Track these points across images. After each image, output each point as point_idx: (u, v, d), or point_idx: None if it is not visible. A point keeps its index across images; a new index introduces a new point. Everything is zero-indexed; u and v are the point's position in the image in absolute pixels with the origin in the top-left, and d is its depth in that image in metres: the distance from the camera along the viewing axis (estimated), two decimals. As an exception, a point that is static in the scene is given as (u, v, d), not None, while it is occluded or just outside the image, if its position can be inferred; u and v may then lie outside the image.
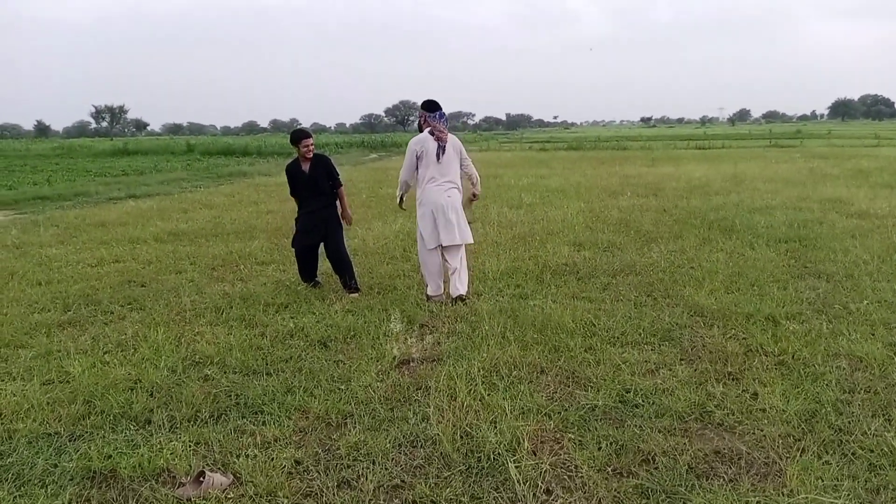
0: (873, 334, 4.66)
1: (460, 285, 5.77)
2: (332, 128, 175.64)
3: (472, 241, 6.01)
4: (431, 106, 5.88)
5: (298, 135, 6.30)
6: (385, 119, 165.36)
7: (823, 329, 4.75)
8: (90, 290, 6.37)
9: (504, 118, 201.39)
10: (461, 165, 5.94)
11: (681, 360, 4.27)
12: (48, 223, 10.80)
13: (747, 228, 8.79)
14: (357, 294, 6.02)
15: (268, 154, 34.80)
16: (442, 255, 5.85)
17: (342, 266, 6.16)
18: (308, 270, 6.33)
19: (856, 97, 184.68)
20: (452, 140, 5.87)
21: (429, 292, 5.84)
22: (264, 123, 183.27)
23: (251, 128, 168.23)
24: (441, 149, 5.74)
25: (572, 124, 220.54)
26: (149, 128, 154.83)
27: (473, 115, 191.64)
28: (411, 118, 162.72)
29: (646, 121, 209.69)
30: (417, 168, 5.83)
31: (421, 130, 5.92)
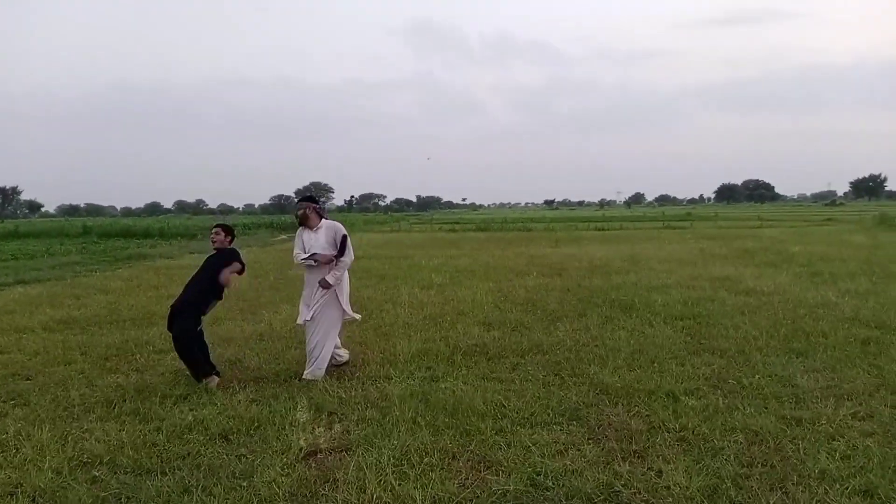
0: (766, 408, 4.91)
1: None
2: (241, 208, 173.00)
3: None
4: (315, 198, 6.40)
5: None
6: (295, 199, 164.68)
7: (720, 404, 4.96)
8: (-34, 385, 5.84)
9: (415, 199, 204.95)
10: None
11: (588, 439, 4.34)
12: (-79, 312, 9.92)
13: (646, 306, 9.18)
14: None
15: (171, 236, 33.70)
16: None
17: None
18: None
19: (739, 182, 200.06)
20: None
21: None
22: (168, 204, 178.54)
23: (154, 209, 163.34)
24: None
25: (480, 206, 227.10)
26: (43, 209, 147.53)
27: (385, 197, 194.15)
28: (322, 199, 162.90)
29: (549, 203, 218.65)
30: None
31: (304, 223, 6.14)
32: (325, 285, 5.92)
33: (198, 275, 6.12)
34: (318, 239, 6.06)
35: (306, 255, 5.96)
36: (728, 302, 9.56)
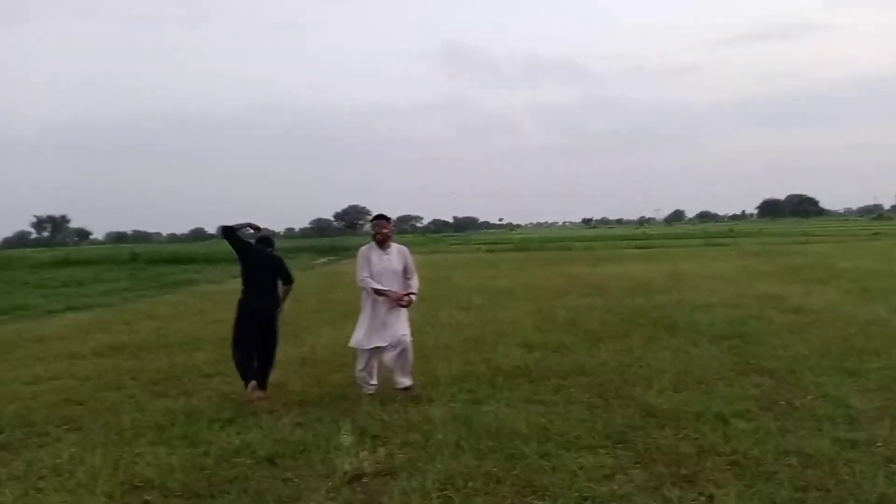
0: (820, 430, 4.76)
1: None
2: (282, 232, 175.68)
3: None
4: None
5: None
6: (334, 223, 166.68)
7: (771, 426, 4.83)
8: (25, 409, 6.02)
9: (452, 220, 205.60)
10: None
11: (636, 463, 4.26)
12: (-20, 339, 10.31)
13: (690, 326, 9.03)
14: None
15: (215, 261, 34.36)
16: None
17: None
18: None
19: (782, 197, 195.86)
20: None
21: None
22: (211, 230, 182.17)
23: (198, 234, 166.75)
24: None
25: (517, 226, 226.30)
26: (92, 237, 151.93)
27: (422, 219, 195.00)
28: (360, 222, 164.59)
29: (587, 222, 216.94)
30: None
31: (383, 242, 6.16)
32: (406, 304, 6.03)
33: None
34: (389, 261, 6.03)
35: (379, 288, 5.95)
36: (775, 320, 9.34)
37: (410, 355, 6.07)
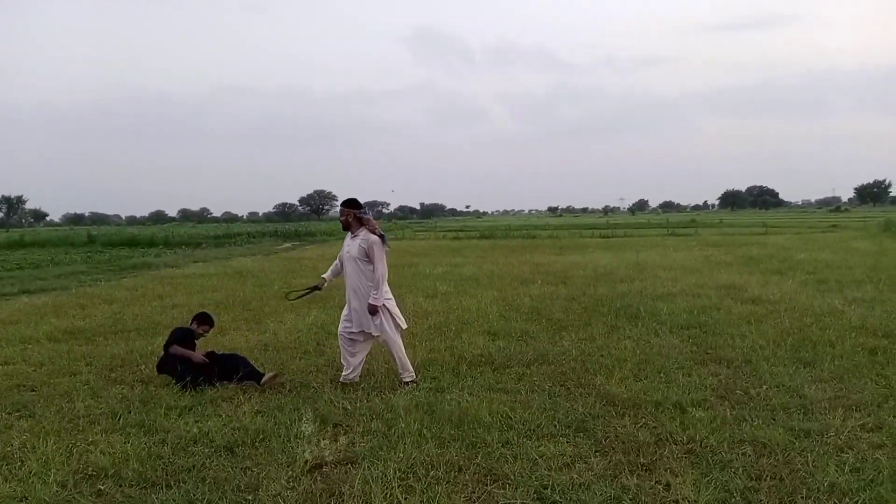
0: (774, 419, 4.87)
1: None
2: (245, 216, 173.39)
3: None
4: (357, 203, 6.14)
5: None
6: (300, 208, 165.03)
7: (728, 415, 4.92)
8: (-29, 397, 5.84)
9: (418, 207, 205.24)
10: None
11: (595, 451, 4.31)
12: (-73, 323, 9.95)
13: (651, 315, 9.15)
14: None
15: (175, 244, 33.79)
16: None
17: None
18: None
19: (743, 188, 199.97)
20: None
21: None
22: (172, 213, 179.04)
23: (158, 217, 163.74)
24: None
25: (484, 213, 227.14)
26: (48, 218, 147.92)
27: (388, 205, 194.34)
28: (326, 207, 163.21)
29: (553, 210, 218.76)
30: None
31: (347, 228, 6.10)
32: (373, 311, 5.93)
33: None
34: (350, 247, 6.04)
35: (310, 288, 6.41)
36: (734, 310, 9.52)
37: (391, 348, 6.07)
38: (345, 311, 6.21)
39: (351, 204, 6.11)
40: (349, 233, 6.12)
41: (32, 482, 3.95)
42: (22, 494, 3.80)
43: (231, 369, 6.11)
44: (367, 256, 5.95)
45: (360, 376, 6.20)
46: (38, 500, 3.73)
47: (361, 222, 6.05)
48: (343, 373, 6.13)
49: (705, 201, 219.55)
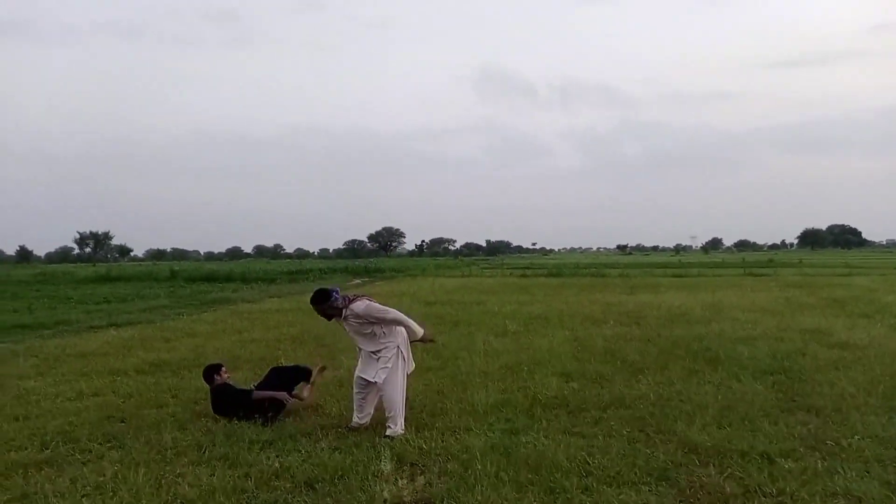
0: (868, 472, 4.62)
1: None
2: (316, 253, 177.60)
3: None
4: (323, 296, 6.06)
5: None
6: (368, 244, 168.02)
7: (819, 467, 4.70)
8: (69, 426, 6.17)
9: (484, 244, 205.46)
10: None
11: (679, 501, 4.19)
12: (27, 353, 10.58)
13: (732, 359, 8.85)
14: None
15: (252, 280, 34.90)
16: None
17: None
18: None
19: (823, 227, 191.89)
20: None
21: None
22: (248, 249, 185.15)
23: (235, 253, 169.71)
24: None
25: (550, 250, 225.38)
26: (132, 253, 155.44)
27: (454, 242, 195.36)
28: (394, 244, 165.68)
29: (622, 248, 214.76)
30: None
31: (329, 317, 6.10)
32: (429, 339, 6.38)
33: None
34: (350, 327, 6.03)
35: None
36: (820, 356, 9.10)
37: (386, 397, 5.94)
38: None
39: (318, 300, 6.04)
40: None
41: (125, 511, 4.12)
42: (115, 523, 3.97)
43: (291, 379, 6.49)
44: (367, 323, 5.91)
45: (434, 415, 6.23)
46: (131, 529, 3.88)
47: (340, 308, 5.97)
48: (353, 417, 6.06)
49: (783, 240, 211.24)
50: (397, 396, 5.87)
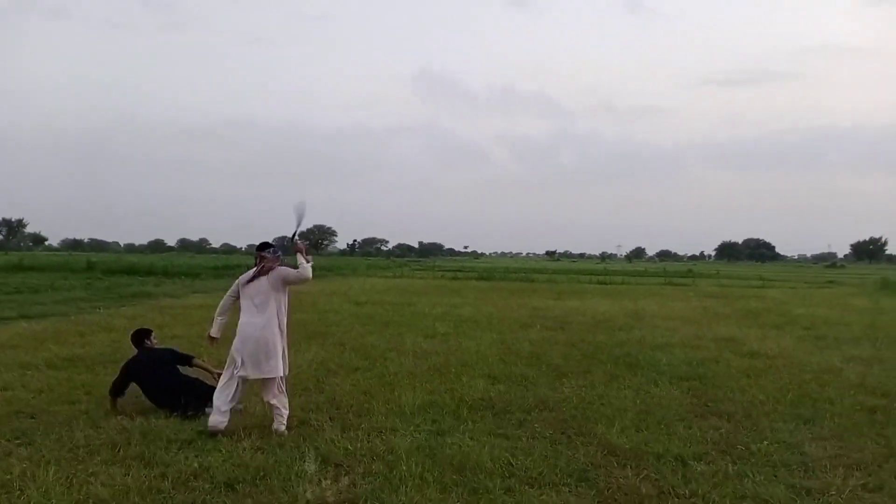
0: (776, 476, 4.88)
1: (278, 422, 5.78)
2: (244, 248, 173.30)
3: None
4: (265, 245, 6.22)
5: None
6: (299, 242, 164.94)
7: (729, 470, 4.93)
8: (-28, 421, 5.82)
9: (417, 245, 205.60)
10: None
11: (598, 502, 4.30)
12: (-75, 344, 9.91)
13: (650, 365, 9.16)
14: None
15: (175, 274, 33.75)
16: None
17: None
18: None
19: (740, 240, 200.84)
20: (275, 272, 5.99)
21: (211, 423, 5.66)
22: (171, 242, 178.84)
23: (157, 246, 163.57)
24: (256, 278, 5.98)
25: (482, 254, 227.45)
26: (47, 243, 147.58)
27: (387, 242, 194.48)
28: (325, 242, 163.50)
29: (550, 254, 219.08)
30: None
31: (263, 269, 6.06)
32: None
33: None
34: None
35: None
36: (733, 364, 9.54)
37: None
38: None
39: (264, 247, 6.21)
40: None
41: (31, 512, 3.93)
42: (21, 524, 3.78)
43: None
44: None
45: (360, 415, 6.21)
46: (37, 530, 3.70)
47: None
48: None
49: (702, 252, 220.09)
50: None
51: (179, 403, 6.10)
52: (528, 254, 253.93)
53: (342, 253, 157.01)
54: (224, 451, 5.13)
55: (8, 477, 4.51)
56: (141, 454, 5.03)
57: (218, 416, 5.66)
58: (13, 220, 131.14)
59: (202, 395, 6.15)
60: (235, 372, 5.77)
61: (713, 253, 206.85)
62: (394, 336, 11.68)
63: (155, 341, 6.89)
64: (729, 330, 13.71)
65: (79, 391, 7.07)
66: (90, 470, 4.68)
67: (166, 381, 6.31)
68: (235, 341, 5.82)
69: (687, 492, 4.47)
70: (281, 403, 5.83)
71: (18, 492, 4.26)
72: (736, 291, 29.73)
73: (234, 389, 5.78)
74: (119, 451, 5.11)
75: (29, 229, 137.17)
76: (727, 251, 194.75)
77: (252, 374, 5.77)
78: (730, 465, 5.06)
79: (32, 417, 6.07)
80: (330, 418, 6.17)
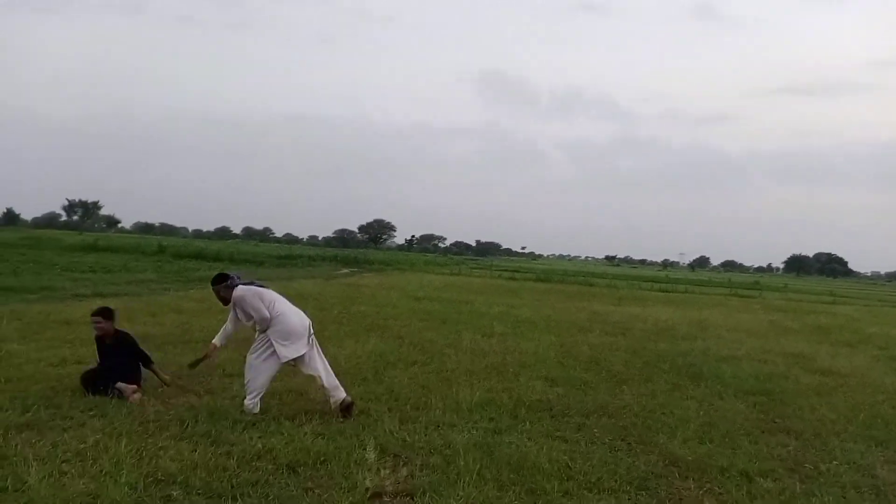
0: (845, 497, 4.69)
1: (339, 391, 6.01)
2: (305, 239, 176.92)
3: None
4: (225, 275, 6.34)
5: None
6: (358, 235, 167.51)
7: (797, 489, 4.75)
8: (51, 391, 6.11)
9: (474, 244, 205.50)
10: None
11: (659, 512, 4.21)
12: (12, 317, 10.47)
13: (715, 377, 8.91)
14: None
15: (240, 261, 34.76)
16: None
17: None
18: None
19: (810, 254, 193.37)
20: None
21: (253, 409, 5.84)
22: (237, 230, 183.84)
23: (223, 233, 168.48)
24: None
25: (539, 255, 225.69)
26: (120, 225, 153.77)
27: (444, 239, 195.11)
28: (384, 237, 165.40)
29: (610, 259, 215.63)
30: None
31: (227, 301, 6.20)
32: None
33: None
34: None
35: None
36: (802, 380, 9.19)
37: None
38: None
39: (218, 280, 6.29)
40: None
41: (105, 481, 4.08)
42: (95, 492, 3.93)
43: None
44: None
45: (418, 408, 6.26)
46: (110, 499, 3.85)
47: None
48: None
49: (769, 264, 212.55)
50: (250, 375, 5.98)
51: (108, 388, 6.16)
52: (586, 257, 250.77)
53: (399, 248, 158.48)
54: (286, 434, 5.24)
55: (83, 446, 4.72)
56: (208, 432, 5.19)
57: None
58: (89, 202, 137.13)
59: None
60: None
61: (781, 265, 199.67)
62: (451, 333, 11.71)
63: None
64: (798, 345, 13.21)
65: (150, 368, 7.33)
66: (159, 444, 4.85)
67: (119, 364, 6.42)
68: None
69: (752, 508, 4.33)
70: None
71: (92, 461, 4.45)
72: (805, 306, 28.64)
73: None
74: (187, 427, 5.28)
75: (103, 212, 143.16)
76: (796, 264, 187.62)
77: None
78: (797, 483, 4.88)
79: (106, 391, 6.32)
80: (388, 409, 6.22)
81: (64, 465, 4.35)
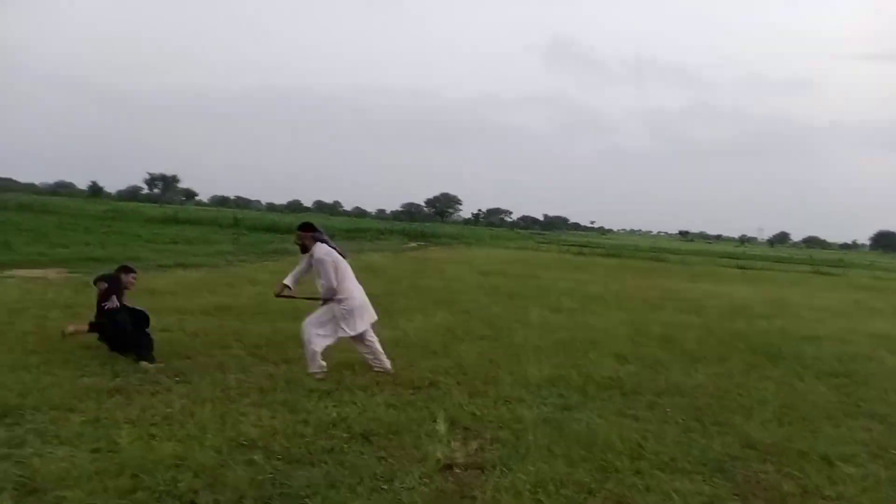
0: (934, 486, 4.46)
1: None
2: (373, 213, 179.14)
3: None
4: (313, 226, 6.79)
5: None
6: (425, 209, 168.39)
7: (882, 475, 4.57)
8: (138, 357, 6.47)
9: (541, 218, 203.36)
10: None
11: (734, 495, 4.13)
12: (100, 285, 11.07)
13: (794, 358, 8.60)
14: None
15: (311, 234, 35.52)
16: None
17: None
18: None
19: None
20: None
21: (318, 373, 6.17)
22: (308, 203, 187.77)
23: (295, 206, 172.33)
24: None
25: (609, 230, 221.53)
26: (197, 198, 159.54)
27: (511, 213, 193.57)
28: (450, 210, 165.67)
29: (683, 234, 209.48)
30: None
31: (305, 249, 6.67)
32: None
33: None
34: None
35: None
36: (888, 362, 8.77)
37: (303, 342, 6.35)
38: None
39: (306, 227, 6.74)
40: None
41: (192, 444, 4.31)
42: (182, 455, 4.15)
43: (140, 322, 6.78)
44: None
45: (487, 383, 6.30)
46: (196, 462, 4.05)
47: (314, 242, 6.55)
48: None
49: (854, 240, 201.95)
50: (304, 337, 6.29)
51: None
52: (659, 232, 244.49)
53: (466, 222, 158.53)
54: (359, 405, 5.39)
55: (169, 410, 4.98)
56: (285, 400, 5.39)
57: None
58: (168, 175, 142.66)
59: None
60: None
61: (868, 242, 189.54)
62: (519, 308, 11.70)
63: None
64: (885, 326, 12.58)
65: (229, 337, 7.66)
66: (241, 410, 5.07)
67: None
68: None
69: (833, 493, 4.19)
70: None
71: (178, 425, 4.70)
72: (893, 285, 27.19)
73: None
74: (266, 395, 5.50)
75: (181, 185, 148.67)
76: (884, 241, 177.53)
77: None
78: (882, 470, 4.68)
79: (188, 358, 6.64)
80: (457, 382, 6.30)
81: (153, 427, 4.60)
